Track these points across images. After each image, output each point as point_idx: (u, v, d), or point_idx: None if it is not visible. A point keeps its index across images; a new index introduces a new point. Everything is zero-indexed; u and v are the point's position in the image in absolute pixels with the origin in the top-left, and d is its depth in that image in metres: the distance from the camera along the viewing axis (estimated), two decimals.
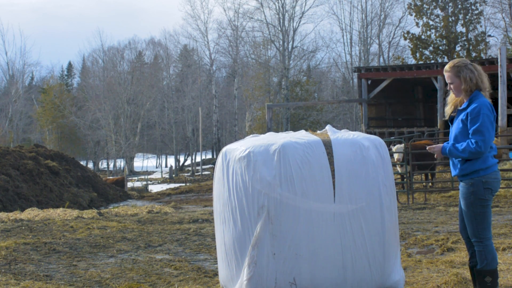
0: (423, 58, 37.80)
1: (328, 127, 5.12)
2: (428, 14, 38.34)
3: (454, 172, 4.45)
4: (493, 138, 4.28)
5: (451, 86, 4.47)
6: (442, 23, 37.92)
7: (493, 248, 4.35)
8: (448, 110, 4.55)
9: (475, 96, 4.34)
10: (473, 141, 4.23)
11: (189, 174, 45.89)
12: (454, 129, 4.45)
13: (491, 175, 4.29)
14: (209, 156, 61.07)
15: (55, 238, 8.67)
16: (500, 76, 17.74)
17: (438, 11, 38.41)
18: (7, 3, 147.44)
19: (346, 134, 4.96)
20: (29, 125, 61.35)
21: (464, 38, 38.17)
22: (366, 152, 4.75)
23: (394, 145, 15.54)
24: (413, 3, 38.61)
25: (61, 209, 14.30)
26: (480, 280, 4.34)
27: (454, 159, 4.39)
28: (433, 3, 38.12)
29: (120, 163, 55.86)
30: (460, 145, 4.29)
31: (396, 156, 15.23)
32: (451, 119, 4.54)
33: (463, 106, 4.38)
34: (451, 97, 4.54)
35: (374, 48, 49.42)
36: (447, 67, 4.49)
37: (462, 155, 4.26)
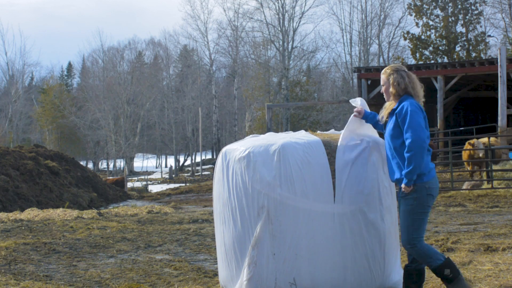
0: (423, 58, 37.80)
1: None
2: (428, 14, 38.36)
3: (393, 176, 4.34)
4: (425, 136, 4.14)
5: (382, 88, 4.51)
6: (442, 23, 37.94)
7: (426, 245, 4.27)
8: (383, 115, 4.47)
9: (404, 99, 4.31)
10: (407, 141, 4.14)
11: (189, 174, 45.89)
12: (386, 132, 4.41)
13: (433, 181, 4.22)
14: (209, 156, 61.07)
15: (55, 238, 8.67)
16: (500, 76, 17.75)
17: (438, 11, 38.43)
18: (7, 3, 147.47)
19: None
20: (29, 125, 61.34)
21: (464, 38, 38.19)
22: (366, 153, 4.75)
23: None
24: (413, 3, 38.62)
25: (61, 209, 14.30)
26: (442, 277, 4.26)
27: (392, 163, 4.29)
28: (433, 3, 38.13)
29: (120, 163, 55.86)
30: (405, 163, 4.18)
31: None
32: (385, 124, 4.49)
33: (393, 108, 4.36)
34: (387, 103, 4.51)
35: (374, 48, 49.47)
36: (383, 70, 4.53)
37: (411, 166, 4.11)
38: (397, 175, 4.29)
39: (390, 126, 4.32)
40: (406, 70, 4.44)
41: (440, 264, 4.21)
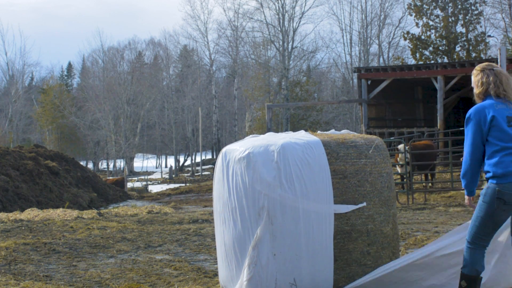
0: (423, 58, 37.80)
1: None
2: (428, 15, 38.35)
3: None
4: (473, 145, 3.99)
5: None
6: (442, 24, 37.93)
7: (477, 255, 4.05)
8: None
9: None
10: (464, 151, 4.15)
11: (189, 174, 45.90)
12: None
13: (510, 185, 3.91)
14: (209, 156, 61.07)
15: (55, 238, 8.67)
16: None
17: (438, 12, 38.42)
18: (7, 3, 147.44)
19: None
20: (29, 125, 61.35)
21: (464, 38, 38.18)
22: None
23: (398, 145, 15.58)
24: (413, 4, 38.61)
25: (61, 209, 14.30)
26: (459, 281, 4.15)
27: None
28: (433, 3, 38.12)
29: (120, 163, 55.87)
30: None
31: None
32: None
33: None
34: None
35: (374, 48, 49.48)
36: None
37: (463, 175, 4.14)
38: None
39: None
40: (495, 68, 4.16)
41: (466, 274, 4.07)
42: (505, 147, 3.96)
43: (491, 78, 4.10)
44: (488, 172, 4.01)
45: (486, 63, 4.23)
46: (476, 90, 4.17)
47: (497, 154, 3.97)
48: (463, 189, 15.24)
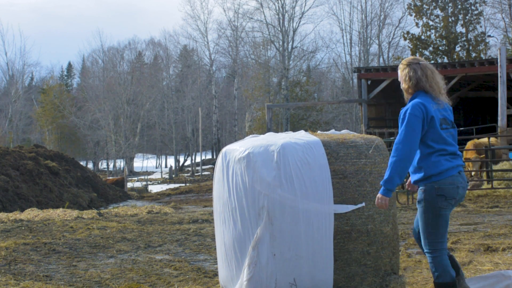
0: (423, 58, 37.77)
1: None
2: (428, 15, 38.36)
3: (412, 178, 4.14)
4: (415, 146, 3.90)
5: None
6: (442, 24, 37.93)
7: (444, 261, 3.99)
8: None
9: (415, 96, 4.09)
10: (394, 146, 3.96)
11: (189, 174, 45.90)
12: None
13: (446, 180, 3.92)
14: (209, 156, 61.08)
15: (55, 238, 8.67)
16: (500, 77, 17.74)
17: (438, 12, 38.42)
18: (7, 3, 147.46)
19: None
20: (29, 125, 61.36)
21: (464, 38, 38.19)
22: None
23: None
24: (413, 4, 38.62)
25: (61, 209, 14.30)
26: None
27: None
28: (433, 3, 38.13)
29: (120, 163, 55.88)
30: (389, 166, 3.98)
31: None
32: None
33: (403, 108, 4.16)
34: None
35: (374, 48, 49.49)
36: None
37: (388, 174, 3.93)
38: (412, 178, 4.12)
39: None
40: (421, 62, 4.14)
41: (441, 283, 3.99)
42: (439, 149, 3.96)
43: (418, 73, 4.08)
44: (420, 173, 3.99)
45: (412, 57, 4.20)
46: (404, 85, 4.15)
47: (431, 156, 3.96)
48: None
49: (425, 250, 4.04)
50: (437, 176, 3.93)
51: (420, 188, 4.01)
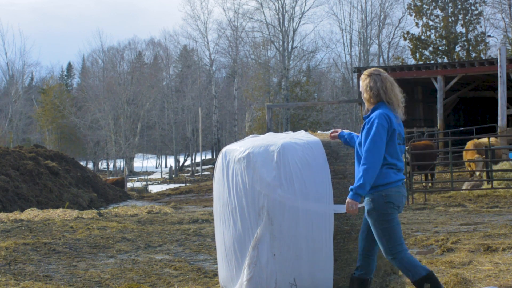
0: (423, 58, 37.80)
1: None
2: (428, 15, 38.37)
3: None
4: (381, 154, 4.01)
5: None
6: (442, 24, 37.94)
7: (410, 258, 4.05)
8: None
9: (377, 107, 4.16)
10: (364, 154, 4.05)
11: (189, 174, 45.89)
12: (357, 139, 4.29)
13: (392, 189, 4.04)
14: (209, 156, 61.07)
15: (55, 238, 8.67)
16: (500, 77, 17.74)
17: (438, 12, 38.44)
18: (7, 3, 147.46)
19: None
20: (29, 125, 61.36)
21: (464, 38, 38.19)
22: None
23: None
24: (413, 4, 38.63)
25: (61, 209, 14.30)
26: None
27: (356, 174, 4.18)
28: (433, 3, 38.14)
29: (120, 163, 55.88)
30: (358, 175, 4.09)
31: None
32: None
33: (364, 116, 4.24)
34: None
35: (374, 48, 49.48)
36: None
37: (360, 181, 4.01)
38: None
39: (361, 133, 4.19)
40: (382, 74, 4.19)
41: (422, 277, 4.03)
42: (391, 162, 4.07)
43: (378, 84, 4.16)
44: (377, 181, 4.07)
45: (373, 69, 4.28)
46: (365, 95, 4.21)
47: (383, 167, 4.05)
48: (463, 189, 15.24)
49: (389, 258, 4.07)
50: (384, 186, 4.04)
51: (367, 198, 4.09)
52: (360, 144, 4.15)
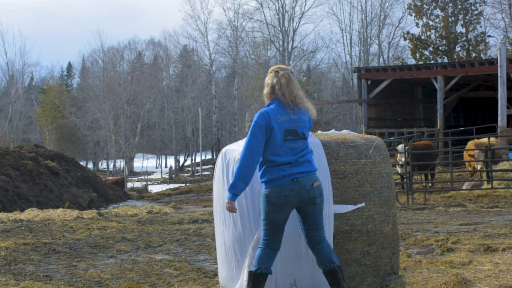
0: (423, 58, 37.80)
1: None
2: (428, 15, 38.35)
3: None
4: (256, 152, 4.13)
5: None
6: (442, 24, 37.93)
7: (263, 256, 4.26)
8: None
9: (270, 103, 4.29)
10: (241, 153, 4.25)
11: (189, 174, 45.89)
12: None
13: (272, 188, 4.16)
14: (209, 156, 61.05)
15: (55, 238, 8.67)
16: (500, 76, 17.74)
17: (438, 12, 38.42)
18: (7, 3, 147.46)
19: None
20: (29, 125, 61.36)
21: (464, 38, 38.18)
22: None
23: (397, 145, 15.59)
24: (413, 4, 38.61)
25: (61, 209, 14.30)
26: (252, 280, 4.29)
27: None
28: (433, 3, 38.13)
29: (120, 163, 55.86)
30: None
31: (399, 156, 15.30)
32: None
33: None
34: None
35: (374, 48, 49.50)
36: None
37: (233, 178, 4.21)
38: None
39: None
40: (281, 71, 4.28)
41: (254, 272, 4.25)
42: (271, 160, 4.17)
43: (274, 80, 4.25)
44: (260, 178, 4.25)
45: (277, 66, 4.37)
46: (264, 91, 4.33)
47: (265, 164, 4.20)
48: (463, 189, 15.24)
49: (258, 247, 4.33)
50: (267, 184, 4.19)
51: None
52: None
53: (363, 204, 4.68)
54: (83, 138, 55.73)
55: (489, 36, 39.74)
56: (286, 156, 4.18)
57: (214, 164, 10.98)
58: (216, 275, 5.86)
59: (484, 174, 15.63)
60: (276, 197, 4.15)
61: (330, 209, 4.57)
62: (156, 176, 48.46)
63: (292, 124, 4.21)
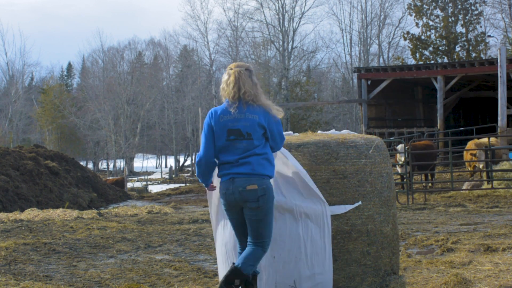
0: (423, 58, 37.80)
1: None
2: (428, 15, 38.36)
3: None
4: (205, 152, 4.21)
5: None
6: (442, 24, 37.94)
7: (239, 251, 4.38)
8: None
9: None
10: None
11: (189, 174, 45.89)
12: None
13: (220, 186, 4.26)
14: None
15: (55, 238, 8.67)
16: (500, 76, 17.74)
17: (438, 12, 38.43)
18: (7, 3, 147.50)
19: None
20: (29, 125, 61.34)
21: (464, 38, 38.19)
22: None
23: (397, 145, 15.59)
24: (413, 4, 38.62)
25: (61, 209, 14.30)
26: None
27: None
28: (433, 3, 38.13)
29: (120, 163, 55.86)
30: None
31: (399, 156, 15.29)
32: None
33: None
34: None
35: (374, 48, 49.45)
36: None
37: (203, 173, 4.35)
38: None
39: None
40: (231, 69, 4.22)
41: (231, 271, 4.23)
42: (218, 159, 4.22)
43: (225, 78, 4.23)
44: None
45: (235, 63, 4.30)
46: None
47: (217, 163, 4.31)
48: (463, 189, 15.28)
49: None
50: (219, 178, 4.28)
51: None
52: None
53: (360, 202, 4.68)
54: (83, 138, 55.72)
55: (489, 36, 39.76)
56: (229, 155, 4.16)
57: None
58: (216, 275, 5.86)
59: (484, 174, 15.63)
60: (221, 194, 4.25)
61: (327, 210, 4.56)
62: (156, 176, 48.46)
63: (236, 124, 4.13)
